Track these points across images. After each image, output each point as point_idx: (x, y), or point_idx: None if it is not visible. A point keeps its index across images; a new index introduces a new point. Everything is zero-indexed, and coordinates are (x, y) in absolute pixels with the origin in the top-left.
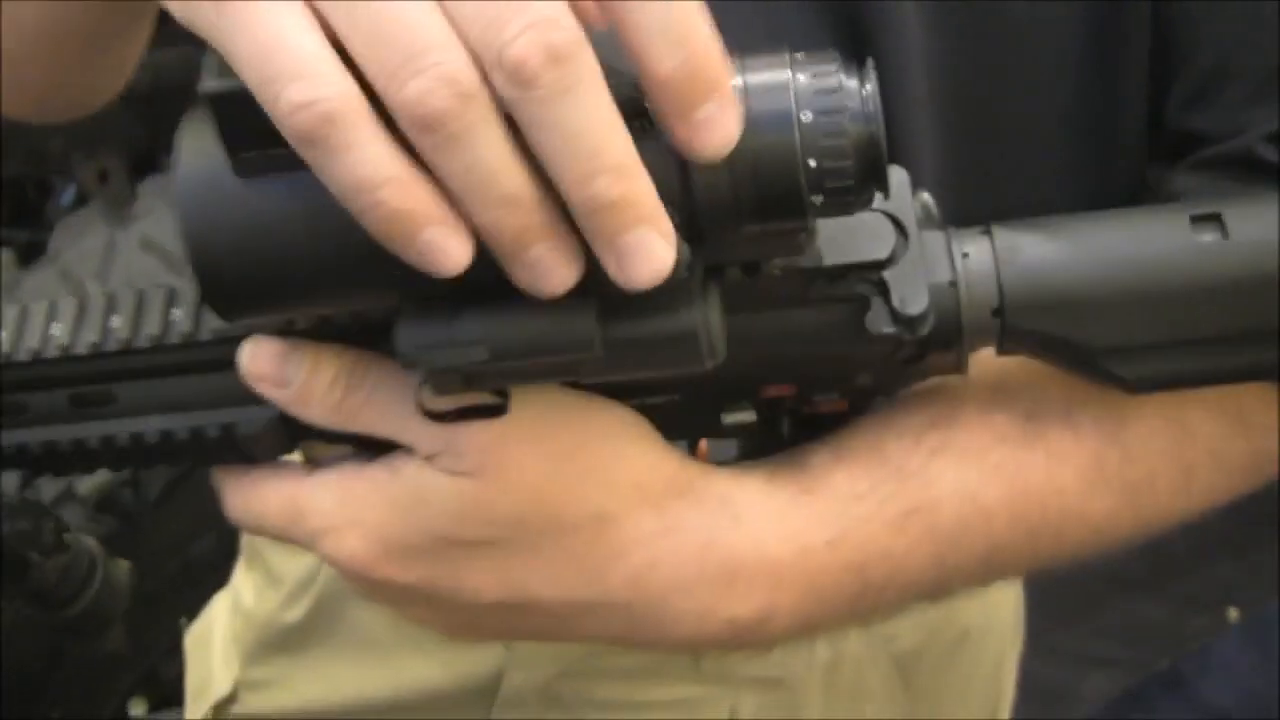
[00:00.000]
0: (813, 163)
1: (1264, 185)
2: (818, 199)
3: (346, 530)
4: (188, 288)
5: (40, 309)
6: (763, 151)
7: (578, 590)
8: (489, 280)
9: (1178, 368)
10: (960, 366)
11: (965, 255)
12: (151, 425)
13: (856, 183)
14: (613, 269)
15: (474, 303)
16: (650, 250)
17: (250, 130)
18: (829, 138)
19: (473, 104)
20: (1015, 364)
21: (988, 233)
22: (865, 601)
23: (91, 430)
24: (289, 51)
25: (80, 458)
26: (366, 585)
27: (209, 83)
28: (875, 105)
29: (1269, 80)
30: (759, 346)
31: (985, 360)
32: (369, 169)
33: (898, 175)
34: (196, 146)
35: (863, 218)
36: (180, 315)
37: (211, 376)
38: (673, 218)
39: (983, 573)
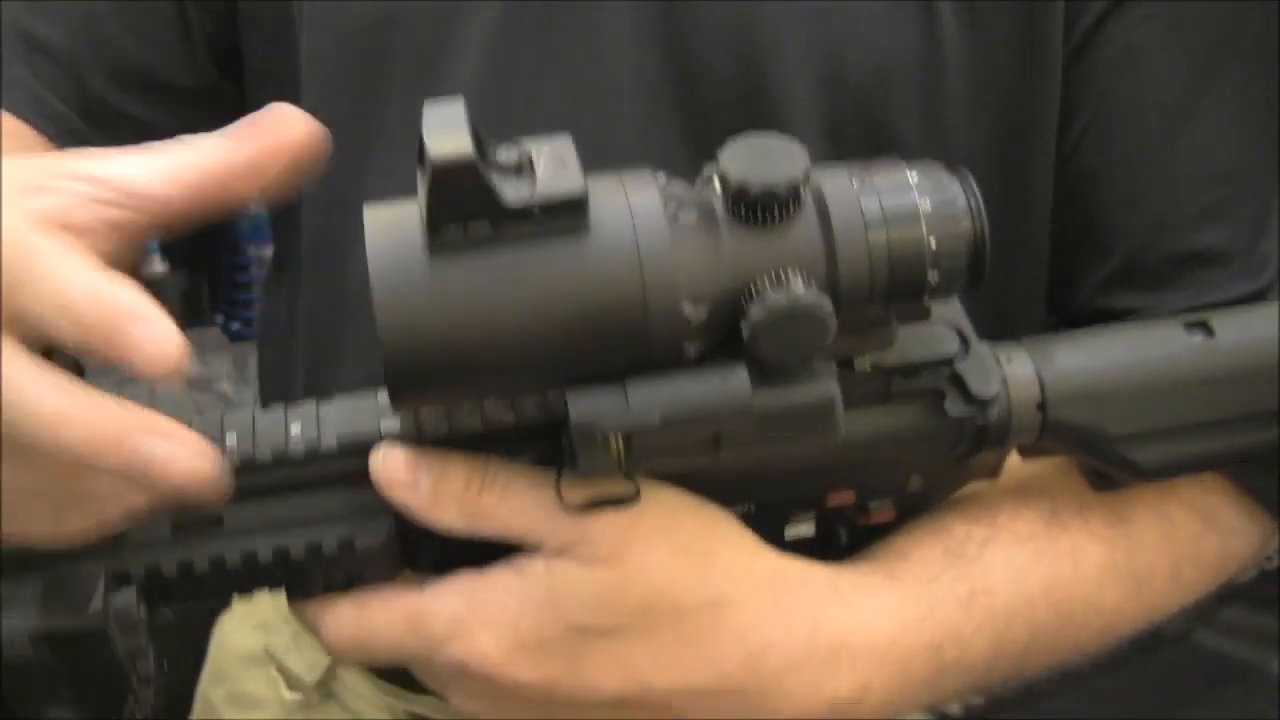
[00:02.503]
0: (933, 242)
1: None
2: (934, 276)
3: (478, 630)
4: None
5: None
6: (894, 235)
7: (694, 676)
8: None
9: (1182, 451)
10: (996, 470)
11: (1009, 360)
12: (264, 543)
13: (967, 264)
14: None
15: (641, 377)
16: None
17: (462, 200)
18: (946, 222)
19: None
20: (1032, 473)
21: (1020, 343)
22: (936, 684)
23: (200, 551)
24: None
25: (187, 582)
26: (490, 689)
27: (441, 149)
28: (979, 207)
29: (1174, 270)
30: (838, 448)
31: (1007, 471)
32: None
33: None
34: (384, 229)
35: (929, 326)
36: (297, 432)
37: (324, 494)
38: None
39: (1020, 662)
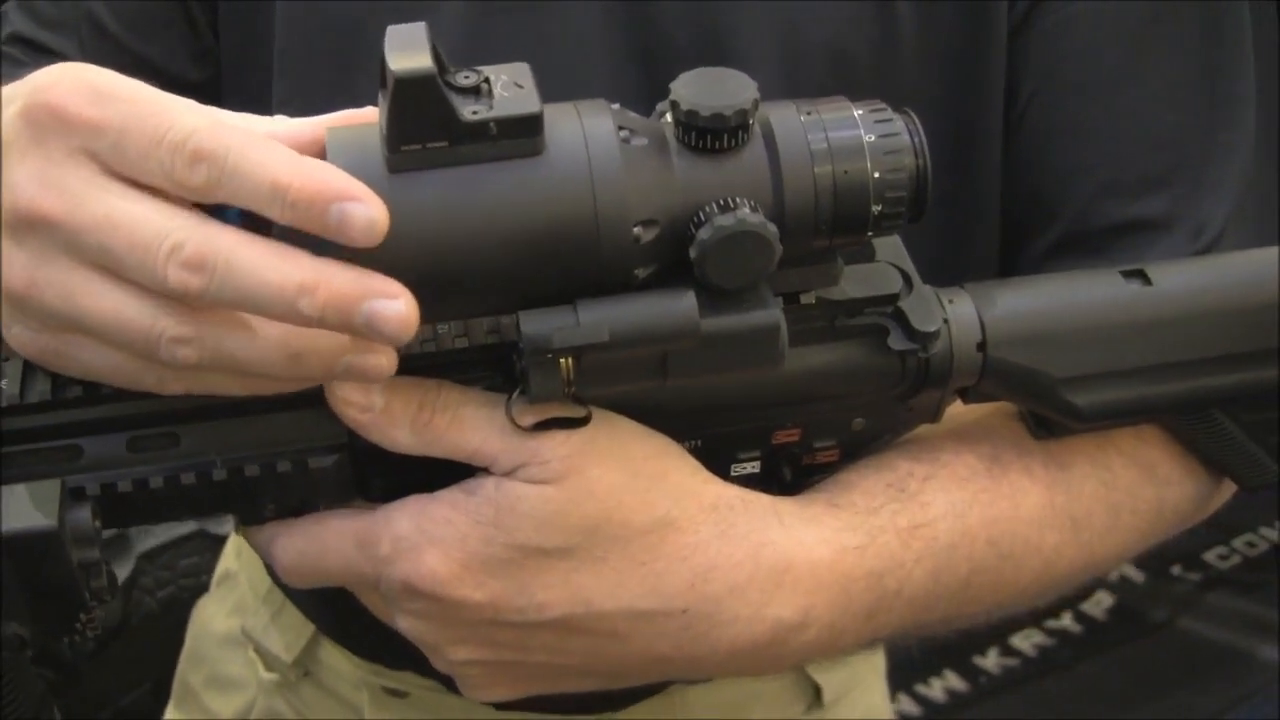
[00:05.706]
0: (876, 174)
1: None
2: (878, 207)
3: (426, 548)
4: None
5: None
6: (839, 168)
7: (639, 598)
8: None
9: (1120, 396)
10: (938, 414)
11: (950, 301)
12: (220, 461)
13: (910, 198)
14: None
15: (592, 299)
16: (380, 312)
17: (421, 117)
18: (890, 157)
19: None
20: (974, 419)
21: (963, 287)
22: (878, 615)
23: (156, 468)
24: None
25: (142, 499)
26: (435, 609)
27: (402, 65)
28: (923, 144)
29: (1115, 237)
30: (784, 383)
31: (949, 416)
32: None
33: (893, 239)
34: (345, 148)
35: (873, 266)
36: None
37: (278, 417)
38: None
39: (960, 597)
